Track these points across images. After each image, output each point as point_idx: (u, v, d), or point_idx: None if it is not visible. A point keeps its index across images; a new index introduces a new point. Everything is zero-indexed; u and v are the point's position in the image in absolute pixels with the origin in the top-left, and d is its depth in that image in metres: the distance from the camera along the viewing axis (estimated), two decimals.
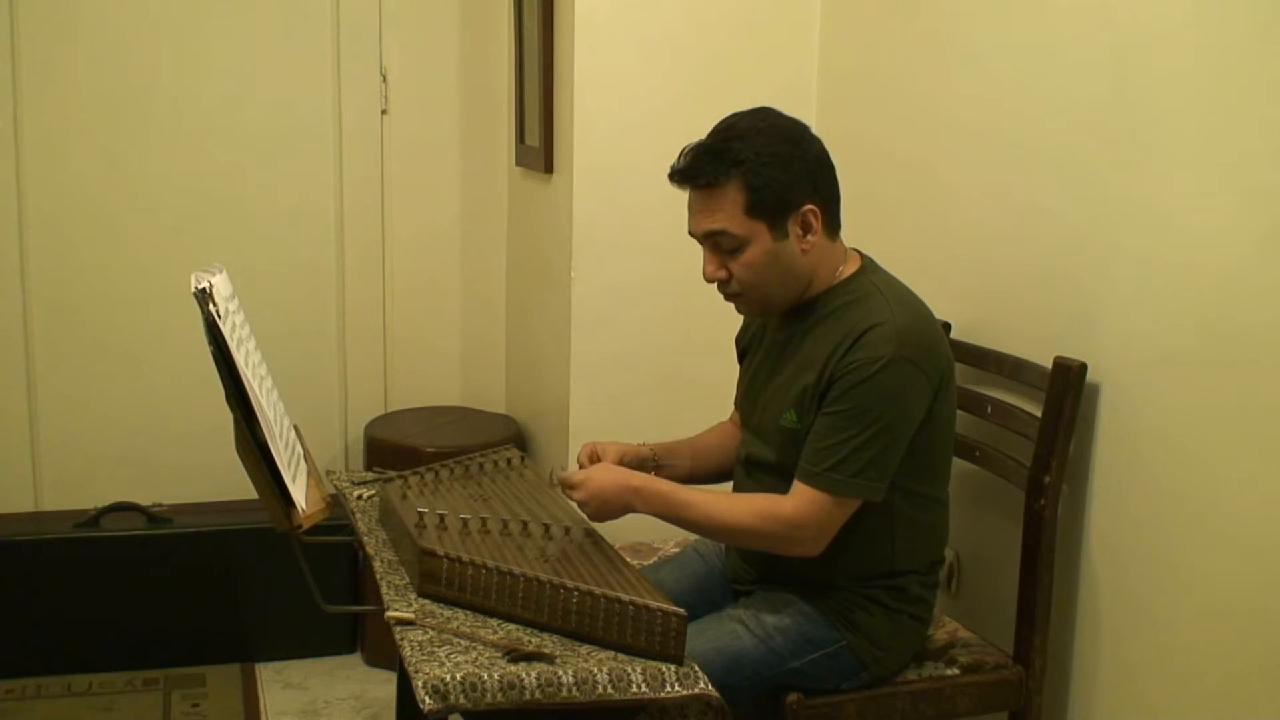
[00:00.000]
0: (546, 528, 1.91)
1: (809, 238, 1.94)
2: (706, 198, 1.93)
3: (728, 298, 2.05)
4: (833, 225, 1.98)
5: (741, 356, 2.23)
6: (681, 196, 1.99)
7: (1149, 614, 1.99)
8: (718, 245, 1.95)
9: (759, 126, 1.93)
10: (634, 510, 1.95)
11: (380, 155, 3.50)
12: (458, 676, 1.54)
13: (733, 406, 2.31)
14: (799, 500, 1.90)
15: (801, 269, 1.96)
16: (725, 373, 2.29)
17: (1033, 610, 2.12)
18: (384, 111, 3.49)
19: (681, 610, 1.63)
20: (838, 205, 1.99)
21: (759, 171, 1.89)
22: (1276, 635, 1.75)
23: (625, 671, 1.59)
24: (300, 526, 1.82)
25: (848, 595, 2.02)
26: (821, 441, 1.90)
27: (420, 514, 1.89)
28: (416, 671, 1.55)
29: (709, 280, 2.00)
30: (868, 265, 2.03)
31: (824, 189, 1.96)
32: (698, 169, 1.93)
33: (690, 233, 1.99)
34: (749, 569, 2.12)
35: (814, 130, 2.00)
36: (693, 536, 2.34)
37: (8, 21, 3.18)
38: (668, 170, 1.96)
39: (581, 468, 2.07)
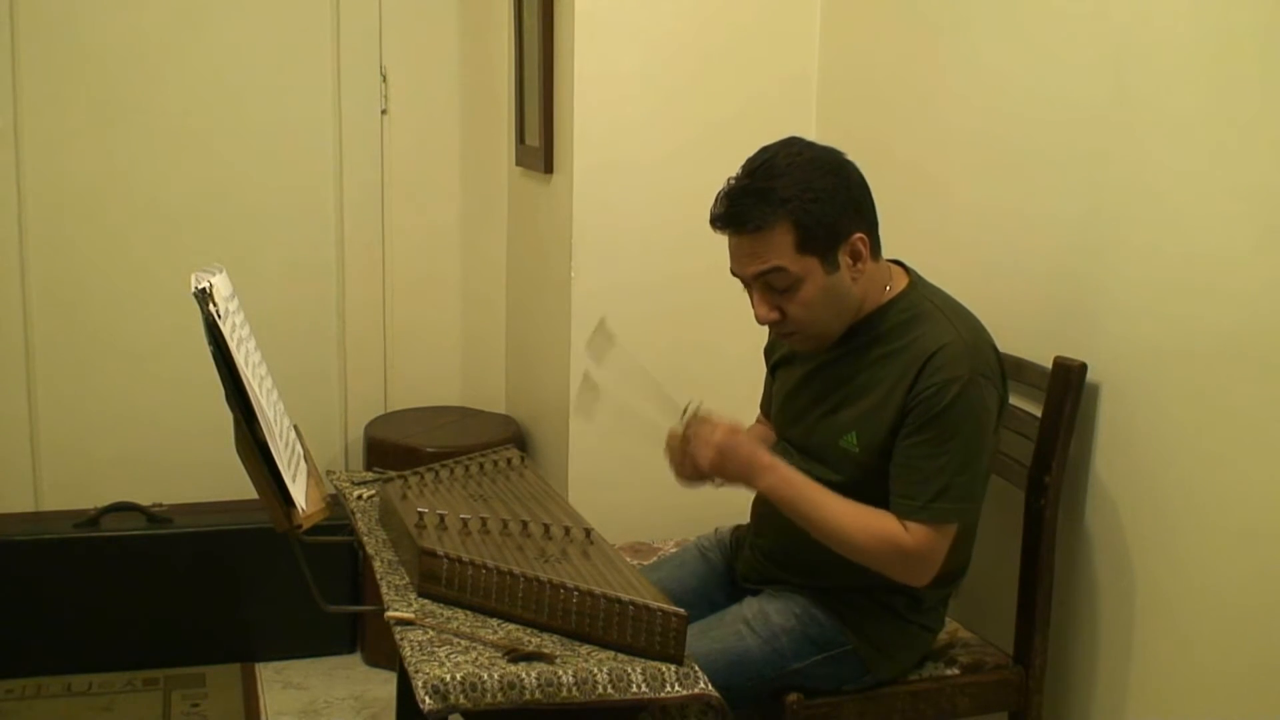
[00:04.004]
0: (546, 528, 1.91)
1: (859, 266, 1.91)
2: (754, 241, 1.88)
3: (782, 336, 2.02)
4: (877, 247, 1.96)
5: (774, 365, 2.20)
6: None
7: (1149, 614, 1.99)
8: (770, 286, 1.91)
9: (796, 161, 1.87)
10: (751, 484, 1.94)
11: (380, 155, 3.50)
12: (458, 676, 1.54)
13: (759, 412, 2.30)
14: (915, 536, 1.88)
15: (854, 298, 1.94)
16: (725, 373, 2.30)
17: (1033, 610, 2.12)
18: (384, 111, 3.49)
19: (682, 610, 1.63)
20: (878, 225, 1.96)
21: (807, 208, 1.85)
22: (1277, 634, 1.76)
23: (625, 671, 1.59)
24: (300, 526, 1.82)
25: (862, 601, 2.01)
26: (916, 473, 1.88)
27: (420, 514, 1.89)
28: (416, 671, 1.55)
29: (762, 323, 1.96)
30: (916, 280, 2.01)
31: (868, 214, 1.93)
32: (744, 214, 1.87)
33: (736, 275, 1.94)
34: (768, 568, 2.10)
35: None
36: (694, 535, 2.34)
37: (8, 21, 3.18)
38: (709, 218, 1.91)
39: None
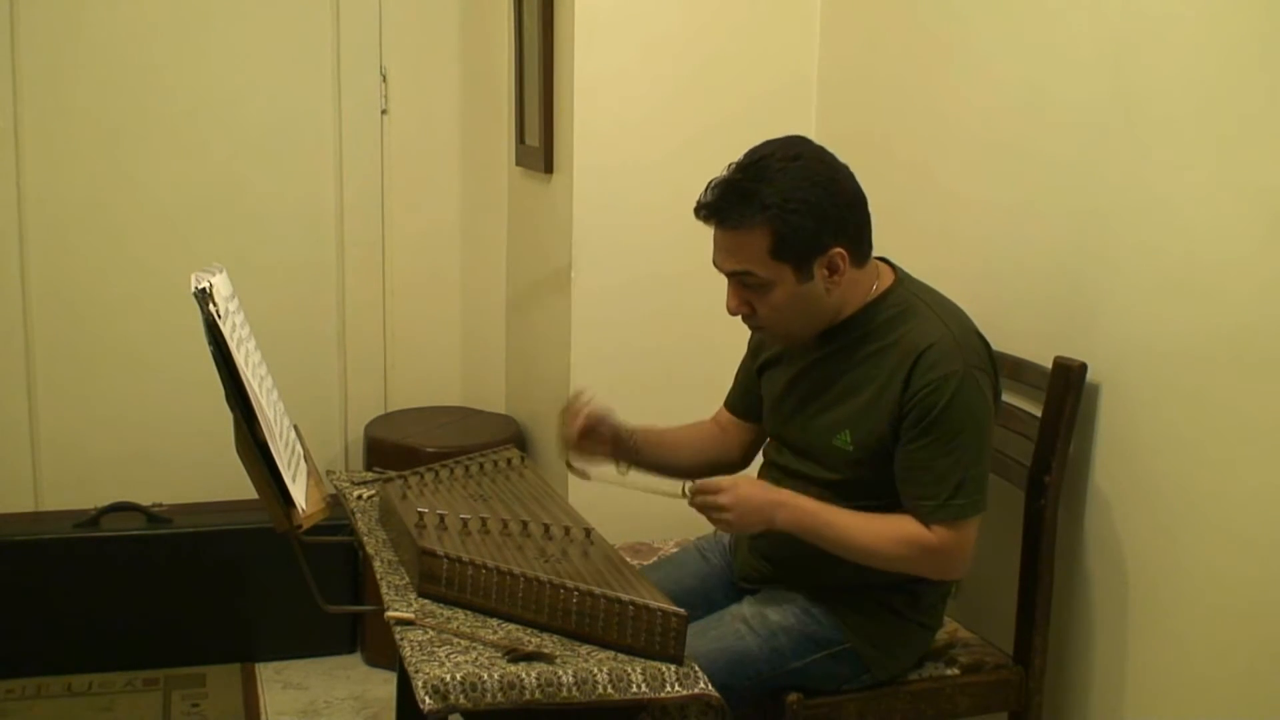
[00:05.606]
0: (546, 528, 1.91)
1: (835, 278, 1.91)
2: (732, 237, 1.89)
3: (752, 329, 2.04)
4: (862, 256, 1.95)
5: (761, 365, 2.19)
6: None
7: (1149, 614, 1.99)
8: (742, 283, 1.93)
9: (789, 167, 1.87)
10: (774, 526, 1.93)
11: (380, 155, 3.50)
12: (458, 676, 1.54)
13: (723, 406, 2.29)
14: (940, 535, 1.89)
15: (826, 307, 1.94)
16: (725, 372, 2.29)
17: (1033, 610, 2.12)
18: (384, 111, 3.49)
19: (682, 610, 1.63)
20: (868, 234, 1.95)
21: (785, 218, 1.85)
22: (1277, 634, 1.76)
23: (625, 671, 1.59)
24: (300, 526, 1.82)
25: (861, 600, 2.01)
26: (928, 474, 1.89)
27: (420, 514, 1.89)
28: (416, 671, 1.55)
29: (732, 314, 1.97)
30: (902, 276, 2.01)
31: (853, 228, 1.92)
32: (725, 209, 1.88)
33: (714, 265, 1.96)
34: (765, 567, 2.10)
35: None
36: (694, 535, 2.34)
37: (8, 21, 3.18)
38: (695, 204, 1.92)
39: (572, 427, 2.05)
